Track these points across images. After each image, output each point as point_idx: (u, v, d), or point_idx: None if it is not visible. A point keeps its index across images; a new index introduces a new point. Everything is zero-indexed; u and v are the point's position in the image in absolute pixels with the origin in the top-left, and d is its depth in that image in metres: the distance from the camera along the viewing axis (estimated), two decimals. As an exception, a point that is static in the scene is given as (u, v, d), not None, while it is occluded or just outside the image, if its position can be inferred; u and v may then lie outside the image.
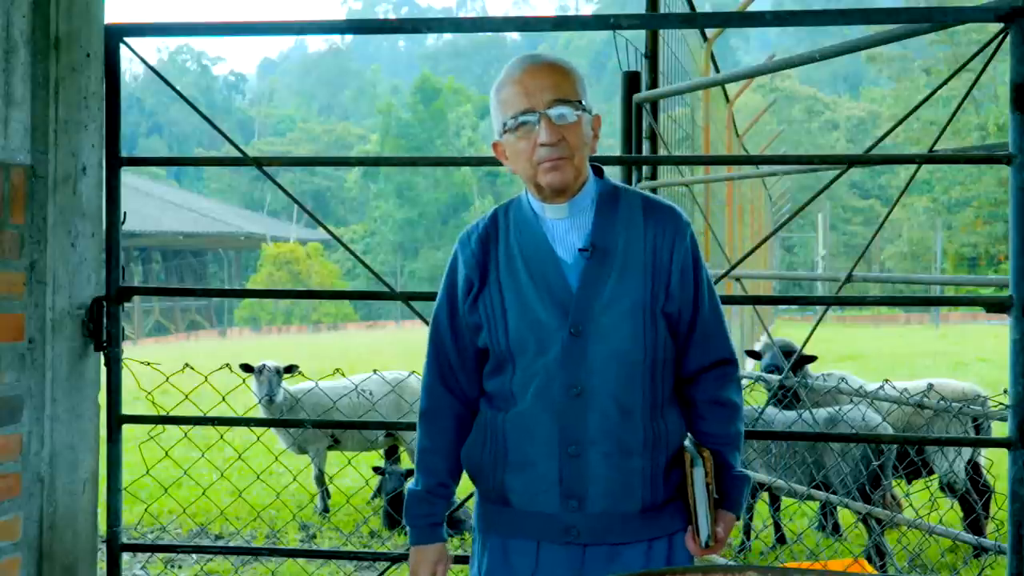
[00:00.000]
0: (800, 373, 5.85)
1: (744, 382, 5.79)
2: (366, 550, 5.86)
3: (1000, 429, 5.46)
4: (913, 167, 3.14)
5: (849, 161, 3.26)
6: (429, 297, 3.58)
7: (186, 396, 3.85)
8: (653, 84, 5.33)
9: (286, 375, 7.15)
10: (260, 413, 7.03)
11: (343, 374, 4.29)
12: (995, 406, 4.86)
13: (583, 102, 2.04)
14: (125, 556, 3.51)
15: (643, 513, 2.05)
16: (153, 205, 37.23)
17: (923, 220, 38.95)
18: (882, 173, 45.86)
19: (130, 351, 3.30)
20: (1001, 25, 2.82)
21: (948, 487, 5.73)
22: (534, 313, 2.04)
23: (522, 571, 2.08)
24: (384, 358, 17.84)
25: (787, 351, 5.96)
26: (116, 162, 3.10)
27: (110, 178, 3.08)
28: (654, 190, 5.05)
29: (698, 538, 2.05)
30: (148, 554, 5.59)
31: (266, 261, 38.76)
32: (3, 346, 2.60)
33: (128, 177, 14.66)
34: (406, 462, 7.72)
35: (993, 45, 2.92)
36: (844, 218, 45.72)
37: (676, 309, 2.07)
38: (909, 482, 5.84)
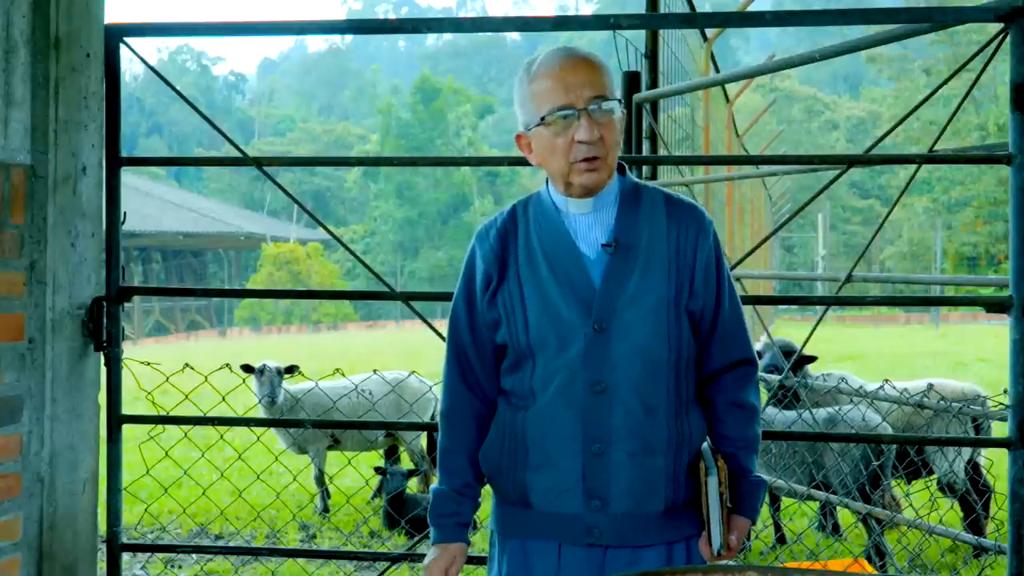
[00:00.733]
0: (800, 373, 5.85)
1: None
2: (366, 550, 5.86)
3: (1000, 429, 5.46)
4: (913, 167, 3.14)
5: (849, 161, 3.26)
6: (429, 297, 3.60)
7: (186, 396, 3.85)
8: (653, 84, 5.34)
9: (286, 375, 7.15)
10: (260, 413, 7.02)
11: (343, 374, 4.28)
12: (995, 406, 4.86)
13: (620, 100, 2.04)
14: (125, 556, 3.51)
15: (665, 515, 2.02)
16: (153, 205, 37.23)
17: (923, 220, 38.95)
18: (882, 173, 45.85)
19: (130, 351, 3.31)
20: (1001, 25, 2.82)
21: (948, 487, 5.73)
22: (555, 308, 2.01)
23: (543, 574, 2.04)
24: (384, 358, 17.84)
25: (787, 351, 5.96)
26: (116, 162, 3.11)
27: (110, 178, 3.08)
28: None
29: (710, 545, 2.03)
30: (148, 554, 5.59)
31: (266, 261, 38.76)
32: (3, 346, 2.60)
33: (128, 177, 14.66)
34: (406, 462, 7.72)
35: (993, 45, 2.93)
36: (844, 218, 45.71)
37: (699, 307, 2.05)
38: (909, 482, 5.83)
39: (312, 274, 37.91)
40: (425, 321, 3.39)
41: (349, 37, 76.10)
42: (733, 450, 2.09)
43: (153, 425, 3.75)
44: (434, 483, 2.23)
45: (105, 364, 3.08)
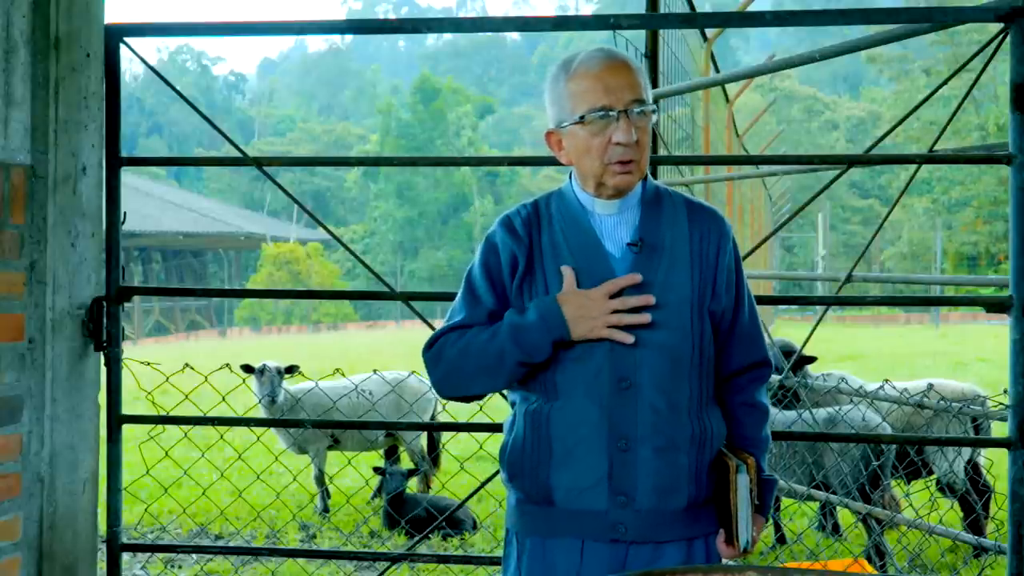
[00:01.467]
0: (800, 373, 5.85)
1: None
2: (366, 550, 5.86)
3: (1000, 429, 5.46)
4: (913, 167, 3.14)
5: (849, 161, 3.26)
6: (429, 297, 3.60)
7: (186, 396, 3.85)
8: (653, 84, 5.33)
9: (286, 375, 7.15)
10: (260, 413, 7.03)
11: (343, 374, 4.29)
12: (995, 406, 4.87)
13: (656, 105, 2.05)
14: (125, 556, 3.51)
15: (687, 511, 2.03)
16: (153, 205, 37.23)
17: (923, 220, 38.94)
18: (882, 173, 45.86)
19: (130, 351, 3.31)
20: (1001, 25, 2.82)
21: (948, 487, 5.73)
22: None
23: (566, 571, 2.04)
24: (384, 358, 17.84)
25: (787, 351, 5.96)
26: (116, 162, 3.11)
27: (110, 178, 3.08)
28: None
29: (737, 543, 2.03)
30: (148, 554, 5.59)
31: (266, 261, 38.76)
32: (3, 346, 2.60)
33: (128, 177, 14.67)
34: (406, 462, 7.72)
35: (993, 45, 2.93)
36: (844, 218, 45.72)
37: (720, 309, 2.08)
38: (909, 482, 5.83)
39: (312, 274, 37.91)
40: (425, 321, 3.38)
41: (349, 37, 76.13)
42: (751, 450, 2.12)
43: (153, 425, 3.75)
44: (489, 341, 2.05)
45: (105, 364, 3.08)
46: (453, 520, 6.20)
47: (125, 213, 3.14)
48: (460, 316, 2.12)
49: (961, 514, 5.87)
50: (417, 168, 32.74)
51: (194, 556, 5.73)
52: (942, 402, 5.12)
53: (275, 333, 35.59)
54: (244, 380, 4.64)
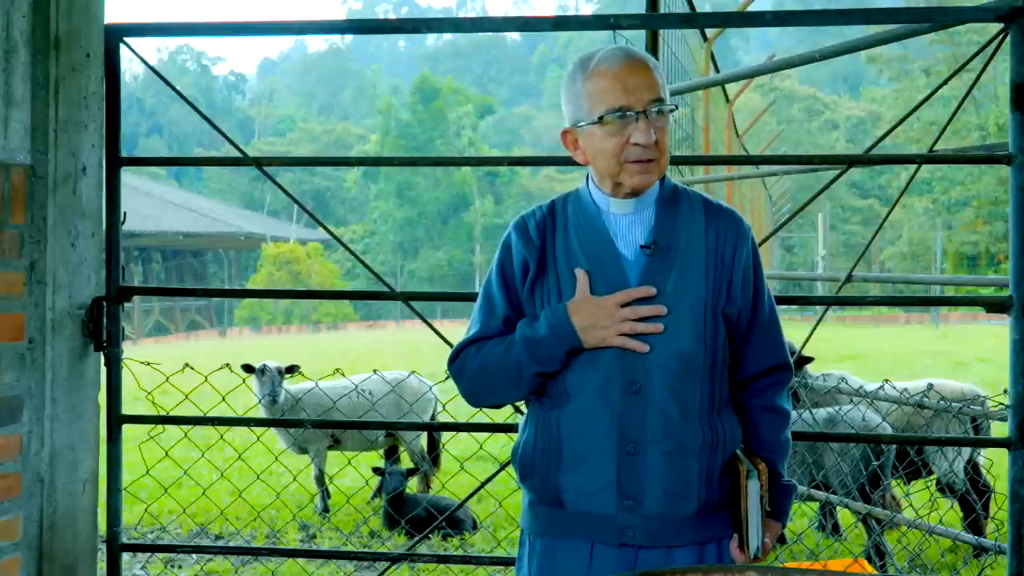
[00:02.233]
0: (800, 373, 5.85)
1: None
2: (366, 550, 5.86)
3: (1000, 429, 5.46)
4: (913, 167, 3.14)
5: (849, 161, 3.26)
6: (429, 297, 3.60)
7: (186, 396, 3.85)
8: (653, 84, 5.32)
9: (287, 375, 7.16)
10: (260, 413, 7.03)
11: (343, 374, 4.28)
12: (995, 406, 4.86)
13: (676, 106, 2.05)
14: (125, 556, 3.51)
15: (697, 515, 2.02)
16: (153, 205, 37.22)
17: (923, 220, 38.94)
18: (882, 173, 45.86)
19: (130, 351, 3.31)
20: (1001, 25, 2.82)
21: (948, 487, 5.73)
22: None
23: (575, 573, 2.03)
24: (384, 358, 17.84)
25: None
26: (116, 162, 3.11)
27: (110, 178, 3.08)
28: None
29: (747, 548, 2.03)
30: (148, 554, 5.59)
31: (266, 261, 38.75)
32: (3, 346, 2.60)
33: (128, 177, 14.67)
34: (406, 462, 7.72)
35: (993, 45, 2.93)
36: (844, 218, 45.72)
37: (736, 311, 2.05)
38: (909, 482, 5.84)
39: (312, 274, 37.91)
40: (425, 321, 3.38)
41: (349, 37, 76.12)
42: (767, 455, 2.11)
43: (153, 425, 3.75)
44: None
45: (105, 364, 3.08)
46: (453, 520, 6.20)
47: (125, 213, 3.14)
48: (477, 327, 2.12)
49: (961, 514, 5.87)
50: (417, 168, 32.70)
51: (194, 556, 5.73)
52: (942, 402, 5.12)
53: (275, 333, 35.59)
54: (244, 380, 4.64)
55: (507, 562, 3.44)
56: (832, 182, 3.21)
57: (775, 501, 2.10)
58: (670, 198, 2.09)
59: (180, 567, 5.59)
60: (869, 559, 5.06)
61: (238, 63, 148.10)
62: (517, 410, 2.94)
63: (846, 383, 5.37)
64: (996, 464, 5.01)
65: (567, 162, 3.35)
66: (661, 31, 5.53)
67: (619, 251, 2.04)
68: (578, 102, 2.04)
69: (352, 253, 3.35)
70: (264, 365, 7.13)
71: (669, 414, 1.98)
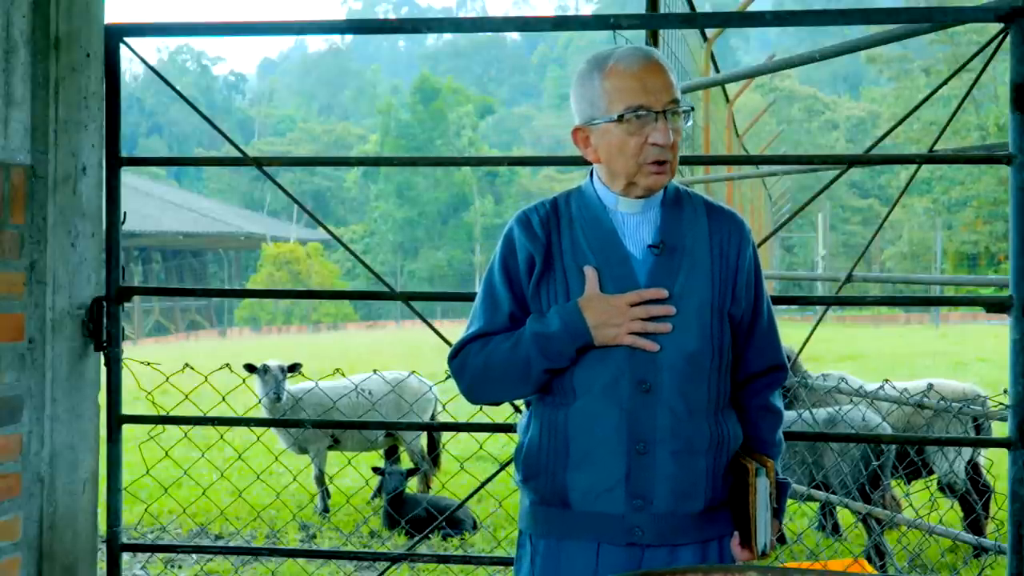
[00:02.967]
0: (800, 373, 5.85)
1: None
2: (366, 550, 5.86)
3: (1000, 429, 5.46)
4: (913, 167, 3.14)
5: (849, 161, 3.26)
6: (429, 297, 3.60)
7: (186, 396, 3.85)
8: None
9: (289, 375, 7.16)
10: (261, 413, 7.03)
11: (343, 374, 4.28)
12: (995, 406, 4.86)
13: (692, 107, 2.07)
14: (125, 556, 3.51)
15: (702, 514, 2.03)
16: (153, 205, 37.23)
17: (923, 220, 38.95)
18: (882, 173, 45.86)
19: (130, 351, 3.30)
20: (1001, 25, 2.82)
21: (948, 487, 5.73)
22: None
23: (581, 574, 2.03)
24: (384, 358, 17.85)
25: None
26: (116, 162, 3.10)
27: (110, 178, 3.08)
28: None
29: (755, 546, 2.03)
30: (148, 554, 5.59)
31: (266, 261, 38.76)
32: (3, 346, 2.60)
33: (128, 177, 14.67)
34: (406, 462, 7.72)
35: (993, 45, 2.93)
36: (844, 218, 45.73)
37: (740, 312, 2.07)
38: (909, 482, 5.84)
39: (312, 274, 37.92)
40: (425, 321, 3.38)
41: (349, 37, 76.11)
42: (767, 453, 2.12)
43: (153, 425, 3.75)
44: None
45: (105, 364, 3.08)
46: (453, 520, 6.20)
47: (125, 213, 3.13)
48: (480, 323, 2.10)
49: (961, 514, 5.87)
50: (417, 168, 32.69)
51: (194, 556, 5.73)
52: (942, 402, 5.12)
53: (275, 333, 35.59)
54: (244, 380, 4.63)
55: (507, 562, 3.44)
56: (832, 182, 3.21)
57: (775, 499, 2.10)
58: (673, 199, 2.10)
59: (180, 567, 5.59)
60: (869, 559, 5.06)
61: (238, 63, 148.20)
62: (516, 410, 2.94)
63: (846, 383, 5.37)
64: (996, 464, 5.01)
65: (567, 162, 3.36)
66: (661, 31, 5.53)
67: (627, 250, 2.04)
68: (593, 99, 2.03)
69: (352, 253, 3.35)
70: (266, 365, 7.14)
71: (678, 413, 1.99)
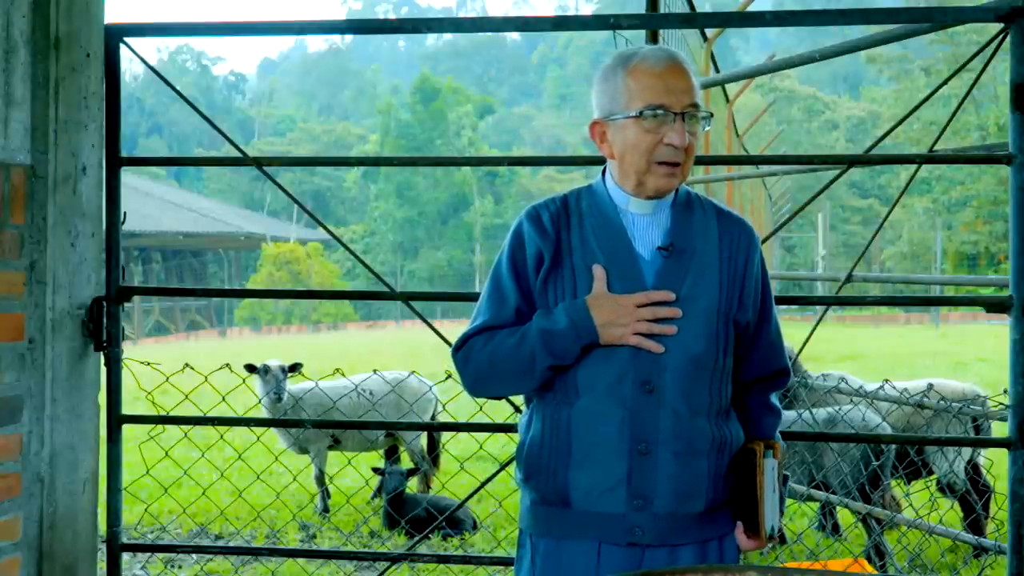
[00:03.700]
0: (800, 373, 5.85)
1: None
2: (366, 550, 5.86)
3: (1000, 429, 5.46)
4: (913, 167, 3.14)
5: (849, 161, 3.26)
6: (429, 297, 3.60)
7: (186, 396, 3.85)
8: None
9: (289, 374, 7.16)
10: (261, 413, 7.03)
11: (343, 374, 4.28)
12: (995, 406, 4.87)
13: (710, 112, 2.08)
14: (125, 556, 3.51)
15: (703, 514, 2.04)
16: (153, 205, 37.23)
17: (923, 220, 38.94)
18: (882, 173, 45.85)
19: (130, 351, 3.30)
20: (1001, 25, 2.82)
21: (948, 487, 5.73)
22: None
23: (582, 573, 2.03)
24: (384, 358, 17.85)
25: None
26: (116, 162, 3.11)
27: (110, 178, 3.08)
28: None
29: (762, 529, 2.03)
30: (148, 554, 5.59)
31: (266, 261, 38.76)
32: (3, 346, 2.60)
33: (128, 177, 14.67)
34: (406, 462, 7.72)
35: (993, 45, 2.93)
36: (844, 218, 45.71)
37: (745, 320, 2.08)
38: (909, 482, 5.84)
39: (312, 274, 37.92)
40: (425, 321, 3.38)
41: (349, 37, 76.13)
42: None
43: (153, 425, 3.75)
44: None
45: (105, 364, 3.08)
46: (453, 520, 6.20)
47: (125, 213, 3.14)
48: (486, 316, 2.10)
49: (961, 514, 5.87)
50: (417, 168, 32.72)
51: (194, 556, 5.73)
52: (942, 402, 5.12)
53: (275, 333, 35.59)
54: (244, 380, 4.63)
55: (507, 562, 3.44)
56: (832, 182, 3.21)
57: (782, 482, 2.12)
58: (684, 202, 2.11)
59: (180, 567, 5.59)
60: (869, 559, 5.06)
61: (238, 63, 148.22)
62: (517, 410, 2.94)
63: (846, 383, 5.37)
64: (996, 464, 5.01)
65: (567, 162, 3.37)
66: (661, 31, 5.53)
67: (636, 251, 2.05)
68: (614, 95, 2.04)
69: (352, 253, 3.35)
70: (267, 365, 7.14)
71: (681, 414, 2.00)
